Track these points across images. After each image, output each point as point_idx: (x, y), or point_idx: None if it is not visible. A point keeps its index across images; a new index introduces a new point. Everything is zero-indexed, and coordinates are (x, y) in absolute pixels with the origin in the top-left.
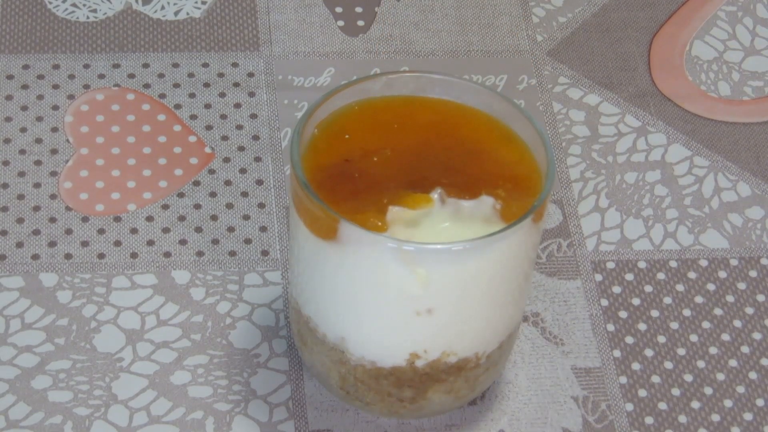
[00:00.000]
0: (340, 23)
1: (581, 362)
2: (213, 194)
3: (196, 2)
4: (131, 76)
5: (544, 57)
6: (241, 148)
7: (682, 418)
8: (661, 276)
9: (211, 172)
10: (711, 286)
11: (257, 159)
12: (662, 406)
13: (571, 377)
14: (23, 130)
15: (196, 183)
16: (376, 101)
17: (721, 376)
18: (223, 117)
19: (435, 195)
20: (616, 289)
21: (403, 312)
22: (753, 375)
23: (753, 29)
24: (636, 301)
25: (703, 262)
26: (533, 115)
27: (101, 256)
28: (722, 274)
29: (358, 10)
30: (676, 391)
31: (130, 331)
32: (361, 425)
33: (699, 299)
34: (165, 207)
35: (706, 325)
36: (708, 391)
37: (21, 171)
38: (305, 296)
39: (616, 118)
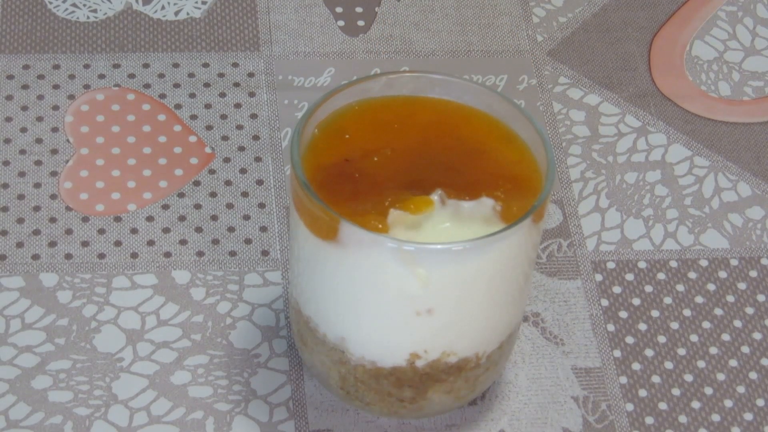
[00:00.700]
0: (341, 23)
1: (581, 362)
2: (213, 194)
3: (197, 2)
4: (131, 76)
5: (544, 57)
6: (242, 148)
7: (683, 418)
8: (661, 276)
9: (212, 172)
10: (711, 286)
11: (257, 159)
12: (662, 406)
13: (571, 377)
14: (23, 130)
15: (197, 183)
16: (376, 101)
17: (721, 376)
18: (224, 117)
19: (435, 197)
20: (617, 289)
21: (403, 312)
22: (753, 375)
23: (753, 29)
24: (636, 301)
25: (704, 262)
26: (533, 115)
27: (101, 256)
28: (722, 274)
29: (359, 10)
30: (676, 391)
31: (131, 331)
32: (361, 425)
33: (699, 299)
34: (165, 207)
35: (706, 325)
36: (708, 391)
37: (21, 171)
38: (305, 296)
39: (617, 118)
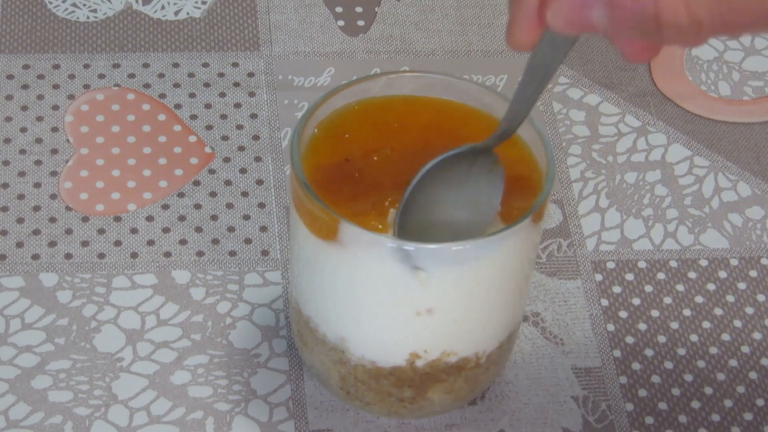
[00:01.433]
0: (340, 23)
1: (581, 362)
2: (213, 194)
3: (196, 2)
4: (131, 76)
5: None
6: (242, 148)
7: (683, 418)
8: (661, 276)
9: (211, 172)
10: (711, 286)
11: (257, 159)
12: (662, 405)
13: (571, 377)
14: (23, 130)
15: (196, 183)
16: (376, 101)
17: (721, 376)
18: (223, 117)
19: None
20: (617, 289)
21: (403, 312)
22: (753, 375)
23: None
24: (636, 301)
25: (704, 262)
26: (533, 115)
27: (101, 256)
28: (722, 274)
29: (358, 10)
30: (676, 391)
31: (130, 331)
32: (361, 425)
33: (699, 299)
34: (165, 207)
35: (706, 325)
36: (708, 390)
37: (21, 171)
38: (305, 296)
39: (617, 118)
